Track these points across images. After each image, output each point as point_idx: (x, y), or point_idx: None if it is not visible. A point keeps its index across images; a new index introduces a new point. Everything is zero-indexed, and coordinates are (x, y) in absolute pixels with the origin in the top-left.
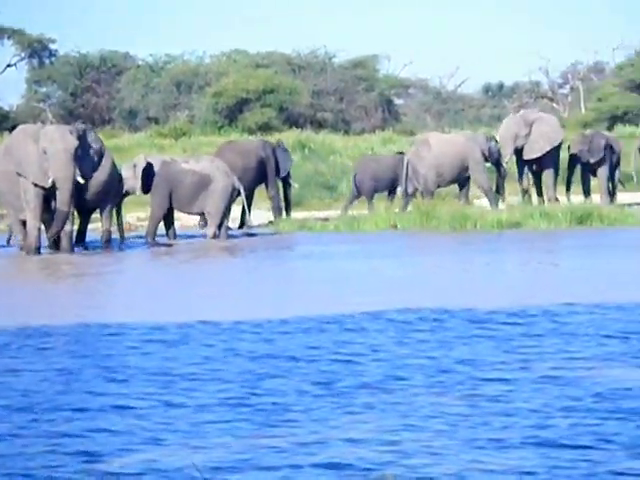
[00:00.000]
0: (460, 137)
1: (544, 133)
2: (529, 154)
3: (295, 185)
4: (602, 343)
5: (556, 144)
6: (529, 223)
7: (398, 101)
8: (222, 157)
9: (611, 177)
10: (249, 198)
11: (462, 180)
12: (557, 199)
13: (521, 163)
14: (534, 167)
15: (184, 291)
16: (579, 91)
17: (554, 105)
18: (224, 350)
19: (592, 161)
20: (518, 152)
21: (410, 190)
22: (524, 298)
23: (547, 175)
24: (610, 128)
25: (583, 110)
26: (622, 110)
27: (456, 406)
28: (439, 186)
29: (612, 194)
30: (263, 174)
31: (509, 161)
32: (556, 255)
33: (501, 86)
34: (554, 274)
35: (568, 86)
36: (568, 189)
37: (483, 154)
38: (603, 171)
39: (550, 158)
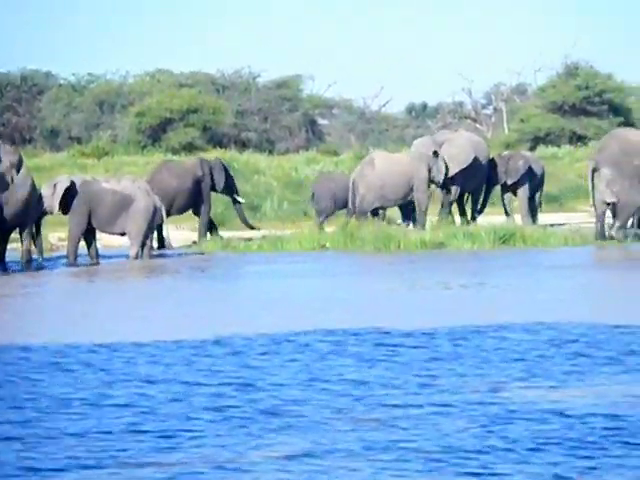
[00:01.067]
0: (406, 156)
1: (453, 155)
2: (438, 176)
3: (241, 200)
4: (506, 365)
5: (465, 166)
6: (453, 243)
7: (322, 121)
8: (157, 177)
9: (532, 198)
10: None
11: (407, 201)
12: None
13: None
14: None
15: (96, 312)
16: (502, 112)
17: (477, 126)
18: (122, 374)
19: (509, 182)
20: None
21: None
22: (436, 320)
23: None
24: (532, 149)
25: (506, 131)
26: (544, 131)
27: (351, 431)
28: (383, 207)
29: (534, 215)
30: (197, 194)
31: None
32: (472, 276)
33: (425, 106)
34: (466, 296)
35: (491, 107)
36: (481, 210)
37: (429, 174)
38: (522, 192)
39: (459, 179)
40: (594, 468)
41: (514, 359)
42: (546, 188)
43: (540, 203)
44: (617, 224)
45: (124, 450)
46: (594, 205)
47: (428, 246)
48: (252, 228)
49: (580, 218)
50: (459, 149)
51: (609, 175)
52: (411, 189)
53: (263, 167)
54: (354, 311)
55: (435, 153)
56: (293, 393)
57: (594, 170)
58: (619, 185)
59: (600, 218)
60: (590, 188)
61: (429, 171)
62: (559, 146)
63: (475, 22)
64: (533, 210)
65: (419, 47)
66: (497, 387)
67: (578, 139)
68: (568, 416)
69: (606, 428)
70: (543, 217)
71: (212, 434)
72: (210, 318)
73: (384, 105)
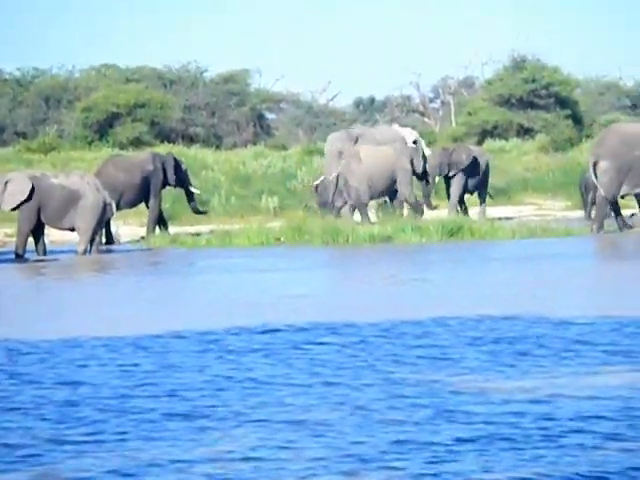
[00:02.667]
0: (389, 149)
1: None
2: None
3: (196, 191)
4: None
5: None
6: (401, 237)
7: (270, 115)
8: (105, 172)
9: (478, 190)
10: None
11: (392, 192)
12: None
13: None
14: None
15: (39, 308)
16: (450, 105)
17: (425, 119)
18: (30, 374)
19: (451, 174)
20: None
21: (339, 204)
22: (365, 314)
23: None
24: (480, 142)
25: (454, 124)
26: (492, 124)
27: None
28: (371, 198)
29: (482, 208)
30: (146, 190)
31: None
32: (412, 270)
33: (372, 100)
34: (399, 290)
35: (439, 100)
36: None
37: (411, 166)
38: (456, 184)
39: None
40: (519, 464)
41: (437, 353)
42: (494, 181)
43: (487, 196)
44: (596, 215)
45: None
46: (586, 199)
47: (377, 240)
48: (203, 212)
49: (528, 211)
50: (373, 143)
51: (605, 168)
52: (395, 181)
53: (211, 162)
54: (285, 308)
55: (415, 143)
56: (205, 394)
57: (595, 164)
58: (608, 177)
59: (596, 210)
60: (593, 180)
61: (411, 163)
62: (507, 139)
63: (422, 16)
64: (481, 203)
65: (367, 41)
66: (425, 382)
67: (525, 132)
68: (499, 412)
69: (536, 422)
70: (491, 210)
71: (114, 437)
72: (147, 316)
73: (332, 99)
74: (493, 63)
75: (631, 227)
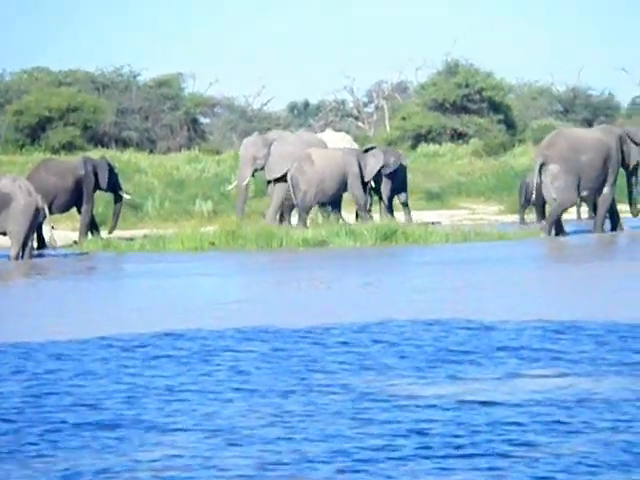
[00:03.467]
0: (339, 152)
1: (285, 153)
2: (270, 175)
3: (127, 196)
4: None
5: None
6: (335, 241)
7: (204, 120)
8: (37, 176)
9: (402, 194)
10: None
11: (338, 197)
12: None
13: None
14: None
15: None
16: (384, 110)
17: (360, 124)
18: None
19: (366, 179)
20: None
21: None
22: (284, 319)
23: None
24: (414, 146)
25: (388, 129)
26: (425, 129)
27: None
28: (322, 203)
29: (407, 211)
30: (79, 194)
31: (248, 182)
32: (335, 274)
33: (307, 104)
34: (320, 294)
35: (373, 105)
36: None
37: (360, 169)
38: (383, 188)
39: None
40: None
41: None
42: (428, 185)
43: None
44: (549, 218)
45: None
46: (536, 201)
47: (311, 244)
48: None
49: (462, 215)
50: (293, 146)
51: (555, 171)
52: (345, 184)
53: (144, 166)
54: (211, 314)
55: (367, 150)
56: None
57: (542, 165)
58: (562, 181)
59: (550, 215)
60: (536, 183)
61: (360, 167)
62: (440, 144)
63: (356, 20)
64: (405, 207)
65: (301, 45)
66: (344, 388)
67: (459, 137)
68: (414, 419)
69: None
70: (425, 214)
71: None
72: (72, 321)
73: (266, 104)
74: (427, 68)
75: (566, 233)
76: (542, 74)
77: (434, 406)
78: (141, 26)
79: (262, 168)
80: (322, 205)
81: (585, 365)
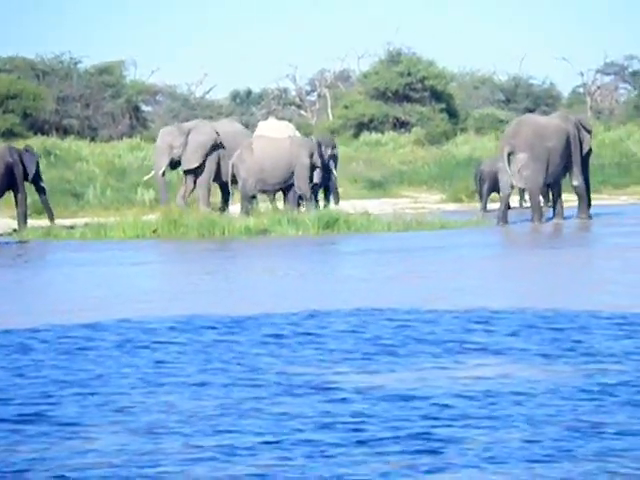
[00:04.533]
0: (287, 141)
1: (200, 143)
2: (187, 164)
3: (47, 187)
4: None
5: (204, 154)
6: (277, 230)
7: (146, 108)
8: None
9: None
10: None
11: (288, 186)
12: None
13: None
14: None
15: None
16: (326, 98)
17: (302, 112)
18: None
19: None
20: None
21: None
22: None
23: (200, 185)
24: (356, 135)
25: (330, 117)
26: (368, 117)
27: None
28: (264, 191)
29: (336, 199)
30: (11, 180)
31: (165, 172)
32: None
33: (249, 93)
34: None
35: (316, 93)
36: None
37: (311, 159)
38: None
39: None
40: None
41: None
42: (370, 174)
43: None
44: (534, 208)
45: None
46: (481, 191)
47: (253, 232)
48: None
49: (404, 204)
50: (205, 136)
51: (523, 159)
52: (292, 174)
53: (86, 154)
54: (141, 304)
55: (319, 143)
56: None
57: (510, 154)
58: (530, 170)
59: (503, 201)
60: (506, 169)
61: (311, 157)
62: (383, 132)
63: (299, 8)
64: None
65: (243, 33)
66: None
67: (401, 125)
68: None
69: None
70: (367, 203)
71: None
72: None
73: (208, 92)
74: (369, 57)
75: (506, 222)
76: (484, 63)
77: (347, 398)
78: (82, 13)
79: (179, 158)
80: (265, 193)
81: (503, 356)
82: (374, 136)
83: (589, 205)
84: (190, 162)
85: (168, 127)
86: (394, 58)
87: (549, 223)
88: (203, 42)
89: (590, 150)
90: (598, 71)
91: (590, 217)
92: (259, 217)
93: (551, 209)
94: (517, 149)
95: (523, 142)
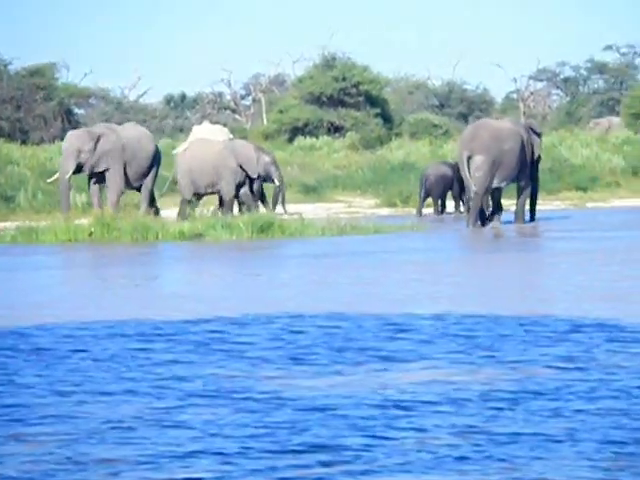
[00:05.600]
0: (218, 145)
1: (105, 149)
2: (94, 169)
3: None
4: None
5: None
6: (211, 234)
7: (78, 111)
8: None
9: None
10: None
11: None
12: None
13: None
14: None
15: None
16: (261, 103)
17: (237, 116)
18: None
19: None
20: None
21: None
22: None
23: (111, 189)
24: (291, 139)
25: (265, 122)
26: (302, 122)
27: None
28: (197, 194)
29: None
30: None
31: (70, 176)
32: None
33: (183, 97)
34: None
35: (250, 98)
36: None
37: (241, 164)
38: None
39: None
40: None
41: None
42: (304, 179)
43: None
44: (472, 210)
45: None
46: (422, 195)
47: (187, 237)
48: None
49: (338, 208)
50: (113, 143)
51: (480, 161)
52: (220, 177)
53: (17, 157)
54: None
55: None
56: None
57: (469, 158)
58: (482, 171)
59: (472, 204)
60: (466, 176)
61: (243, 161)
62: (317, 137)
63: (234, 13)
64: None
65: (178, 37)
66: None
67: (336, 130)
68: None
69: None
70: (302, 207)
71: None
72: None
73: (142, 95)
74: (304, 61)
75: (482, 224)
76: (418, 68)
77: (260, 407)
78: (13, 14)
79: (85, 163)
80: (198, 197)
81: (409, 364)
82: (308, 141)
83: (534, 209)
84: (98, 167)
85: (76, 131)
86: (329, 63)
87: (487, 227)
88: (137, 45)
89: (539, 156)
90: (531, 77)
91: (526, 222)
92: (194, 222)
93: (493, 212)
94: (475, 152)
95: (480, 145)
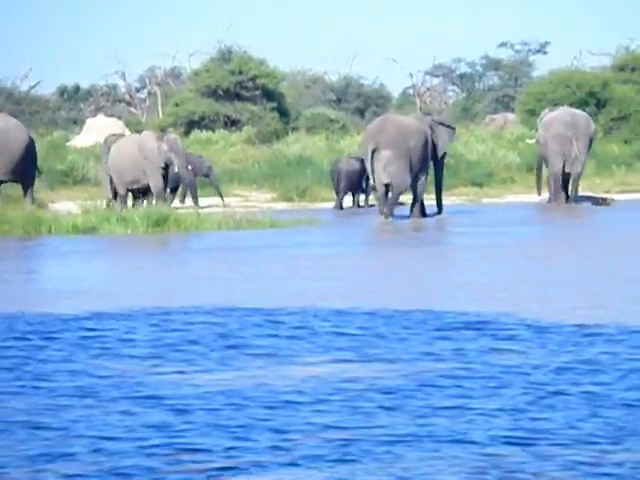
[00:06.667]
0: (135, 138)
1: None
2: None
3: None
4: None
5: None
6: (105, 227)
7: None
8: None
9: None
10: None
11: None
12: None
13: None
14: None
15: None
16: (157, 96)
17: (132, 109)
18: None
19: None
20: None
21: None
22: None
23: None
24: (187, 133)
25: (161, 115)
26: (199, 115)
27: None
28: (131, 190)
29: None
30: None
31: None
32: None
33: (77, 89)
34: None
35: (146, 90)
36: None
37: (165, 157)
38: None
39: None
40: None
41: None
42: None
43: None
44: (389, 202)
45: None
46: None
47: (80, 230)
48: None
49: (234, 202)
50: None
51: (388, 156)
52: (144, 173)
53: None
54: None
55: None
56: None
57: (374, 151)
58: (395, 166)
59: (382, 199)
60: (370, 169)
61: (164, 155)
62: (213, 130)
63: (129, 3)
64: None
65: (71, 27)
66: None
67: (232, 124)
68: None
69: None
70: (200, 201)
71: None
72: None
73: (34, 86)
74: (200, 54)
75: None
76: (315, 63)
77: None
78: None
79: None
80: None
81: (283, 360)
82: (205, 134)
83: (440, 202)
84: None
85: None
86: (225, 56)
87: (396, 222)
88: (29, 36)
89: (445, 153)
90: (427, 73)
91: (425, 215)
92: (87, 215)
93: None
94: (381, 146)
95: (387, 140)
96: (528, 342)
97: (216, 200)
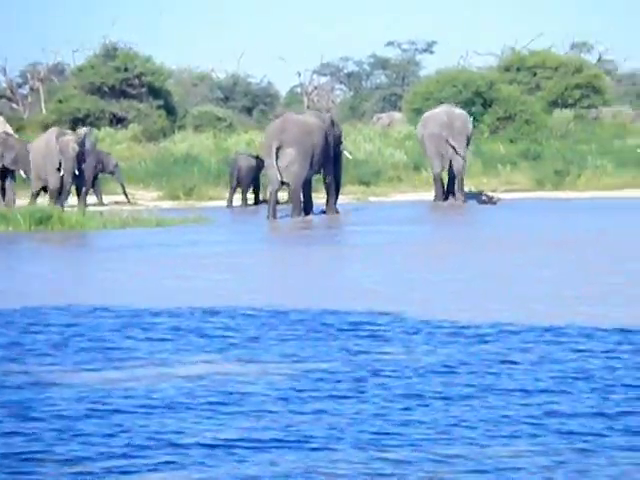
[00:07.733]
0: (48, 135)
1: None
2: None
3: None
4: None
5: None
6: None
7: None
8: None
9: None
10: None
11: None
12: None
13: None
14: None
15: None
16: (39, 92)
17: (13, 105)
18: None
19: (6, 164)
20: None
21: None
22: None
23: None
24: (72, 129)
25: (44, 111)
26: (83, 112)
27: None
28: (44, 188)
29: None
30: None
31: None
32: None
33: None
34: None
35: (28, 86)
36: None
37: (78, 155)
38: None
39: None
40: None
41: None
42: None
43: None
44: (295, 203)
45: None
46: (234, 186)
47: None
48: None
49: (120, 200)
50: None
51: (293, 154)
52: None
53: None
54: None
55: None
56: None
57: (278, 149)
58: (298, 165)
59: (273, 197)
60: (274, 165)
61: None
62: (99, 128)
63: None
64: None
65: None
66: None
67: (118, 121)
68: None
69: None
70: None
71: None
72: None
73: None
74: (84, 50)
75: (275, 217)
76: (202, 60)
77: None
78: None
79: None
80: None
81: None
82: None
83: (336, 200)
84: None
85: None
86: (110, 53)
87: (299, 219)
88: None
89: (341, 150)
90: (315, 72)
91: (338, 212)
92: None
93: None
94: (285, 145)
95: (292, 138)
96: (396, 342)
97: (121, 197)
